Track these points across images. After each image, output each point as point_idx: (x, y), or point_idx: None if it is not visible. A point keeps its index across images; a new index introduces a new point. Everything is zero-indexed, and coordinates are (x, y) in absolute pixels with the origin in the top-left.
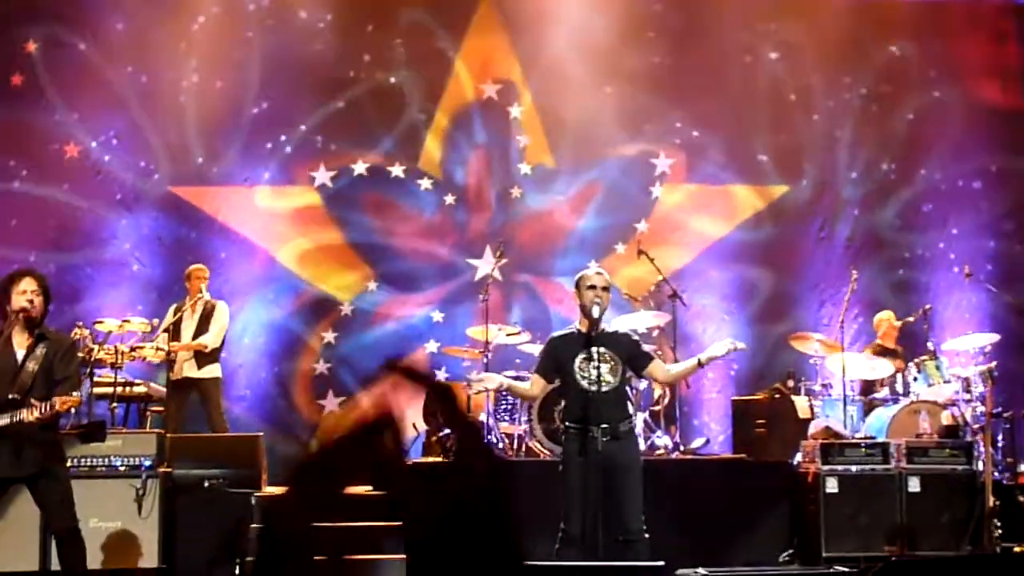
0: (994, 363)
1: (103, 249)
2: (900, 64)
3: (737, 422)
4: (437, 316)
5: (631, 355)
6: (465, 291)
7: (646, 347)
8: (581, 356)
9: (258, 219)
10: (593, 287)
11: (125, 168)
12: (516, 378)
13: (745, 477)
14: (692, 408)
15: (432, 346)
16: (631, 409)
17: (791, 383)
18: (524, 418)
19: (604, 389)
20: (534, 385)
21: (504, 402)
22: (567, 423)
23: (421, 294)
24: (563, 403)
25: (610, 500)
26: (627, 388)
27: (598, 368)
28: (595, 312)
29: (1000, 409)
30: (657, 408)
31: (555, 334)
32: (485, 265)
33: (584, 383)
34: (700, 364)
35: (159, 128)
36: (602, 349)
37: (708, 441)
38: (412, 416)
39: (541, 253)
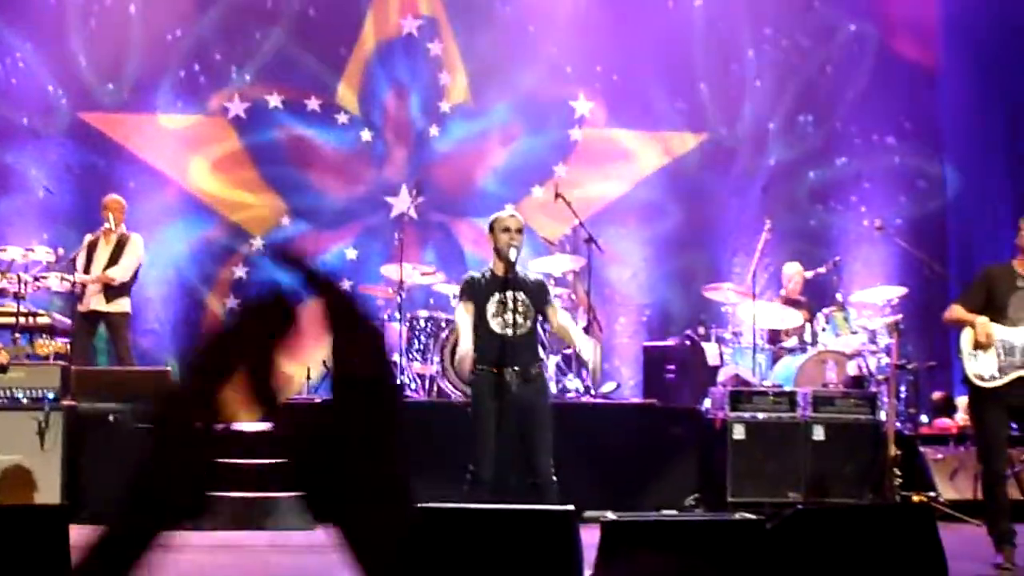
0: (900, 316)
1: (8, 176)
2: (820, 17)
3: (648, 368)
4: (351, 253)
5: (541, 298)
6: (380, 229)
7: (555, 292)
8: (495, 299)
9: (169, 149)
10: (507, 229)
11: (32, 93)
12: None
13: (655, 422)
14: (604, 353)
15: (346, 284)
16: (542, 353)
17: (702, 330)
18: (436, 358)
19: (518, 332)
20: (467, 317)
21: (416, 341)
22: (478, 365)
23: (335, 231)
24: (476, 344)
25: (520, 443)
26: (539, 331)
27: (512, 311)
28: (510, 255)
29: (904, 361)
30: (569, 351)
31: (470, 273)
32: (401, 203)
33: (497, 326)
34: (577, 353)
35: (68, 52)
36: (517, 293)
37: (619, 386)
38: (321, 353)
39: (457, 193)
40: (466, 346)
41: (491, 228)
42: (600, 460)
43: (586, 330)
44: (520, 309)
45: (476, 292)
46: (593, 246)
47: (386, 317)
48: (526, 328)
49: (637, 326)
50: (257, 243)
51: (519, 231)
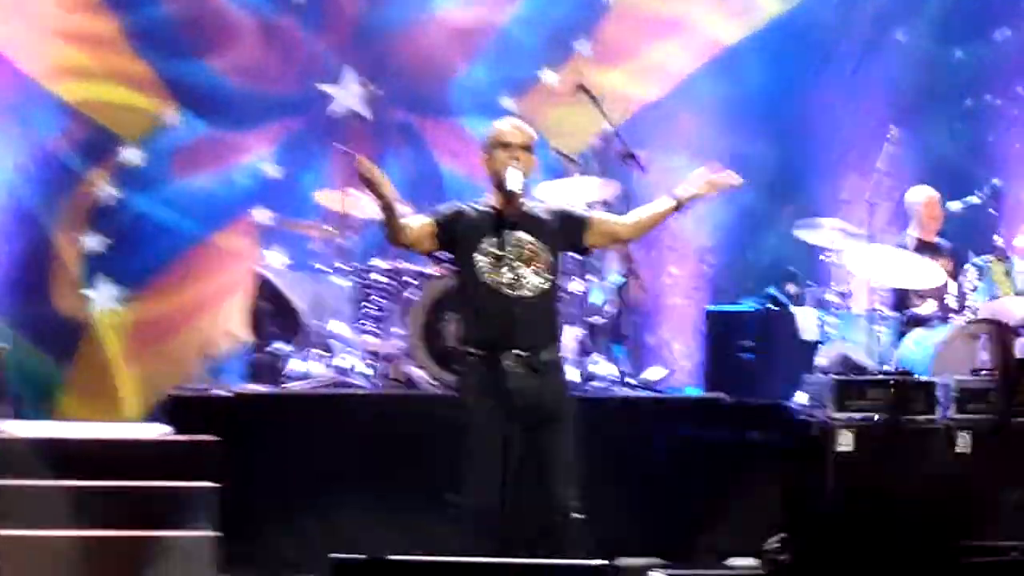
0: None
1: None
2: None
3: (713, 344)
4: (271, 170)
5: (565, 231)
6: (315, 134)
7: (580, 210)
8: (490, 244)
9: (8, 17)
10: (509, 145)
11: None
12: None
13: (722, 426)
14: (649, 320)
15: (263, 215)
16: (560, 328)
17: (793, 289)
18: (398, 329)
19: (524, 295)
20: (412, 224)
21: (368, 303)
22: (467, 346)
23: (247, 134)
24: (461, 313)
25: (527, 461)
26: (556, 297)
27: (514, 264)
28: (512, 183)
29: None
30: (598, 320)
31: (454, 203)
32: (345, 95)
33: (492, 283)
34: (678, 206)
35: None
36: (522, 235)
37: (670, 372)
38: (229, 320)
39: (431, 80)
40: (391, 199)
41: (486, 145)
42: (643, 484)
43: (622, 286)
44: (528, 258)
45: (460, 229)
46: (632, 163)
47: (322, 268)
48: (537, 288)
49: (697, 281)
50: (133, 153)
51: (526, 148)
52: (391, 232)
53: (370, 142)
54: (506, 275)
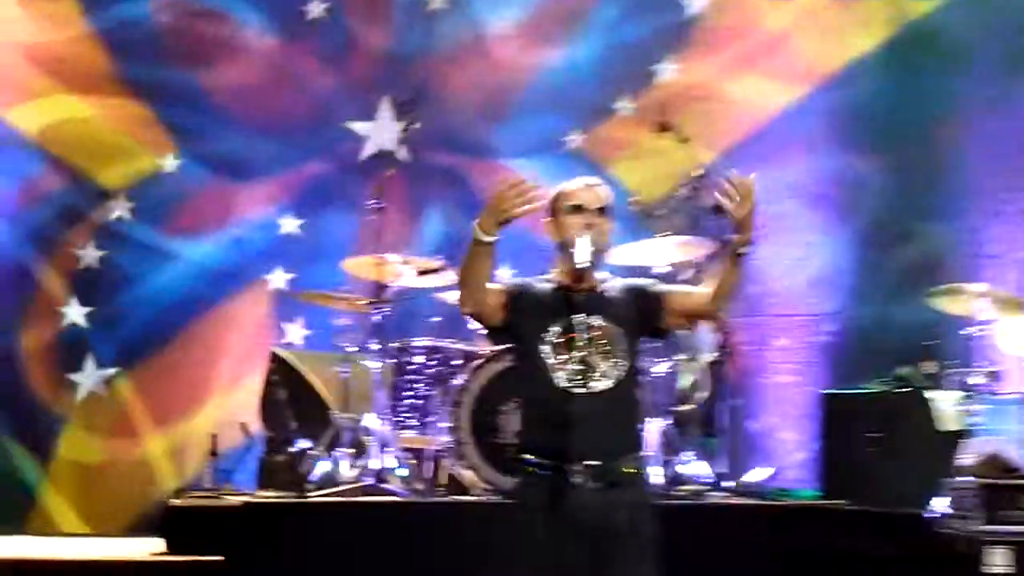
0: None
1: None
2: None
3: (830, 436)
4: (290, 226)
5: (642, 313)
6: (342, 183)
7: (654, 286)
8: (557, 329)
9: None
10: (581, 209)
11: None
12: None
13: (842, 538)
14: (750, 407)
15: (279, 280)
16: (643, 427)
17: (929, 367)
18: (445, 423)
19: (596, 390)
20: (492, 295)
21: (407, 391)
22: (526, 452)
23: (257, 184)
24: (521, 413)
25: None
26: (637, 390)
27: (586, 354)
28: (583, 255)
29: None
30: (687, 409)
31: (519, 280)
32: (379, 134)
33: (560, 378)
34: (736, 252)
35: None
36: (596, 321)
37: (777, 470)
38: (239, 409)
39: (481, 115)
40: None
41: (552, 208)
42: None
43: (717, 365)
44: (601, 346)
45: (526, 309)
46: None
47: (351, 348)
48: (613, 381)
49: (810, 357)
50: (122, 207)
51: (603, 211)
52: (475, 287)
53: (408, 191)
54: (575, 367)
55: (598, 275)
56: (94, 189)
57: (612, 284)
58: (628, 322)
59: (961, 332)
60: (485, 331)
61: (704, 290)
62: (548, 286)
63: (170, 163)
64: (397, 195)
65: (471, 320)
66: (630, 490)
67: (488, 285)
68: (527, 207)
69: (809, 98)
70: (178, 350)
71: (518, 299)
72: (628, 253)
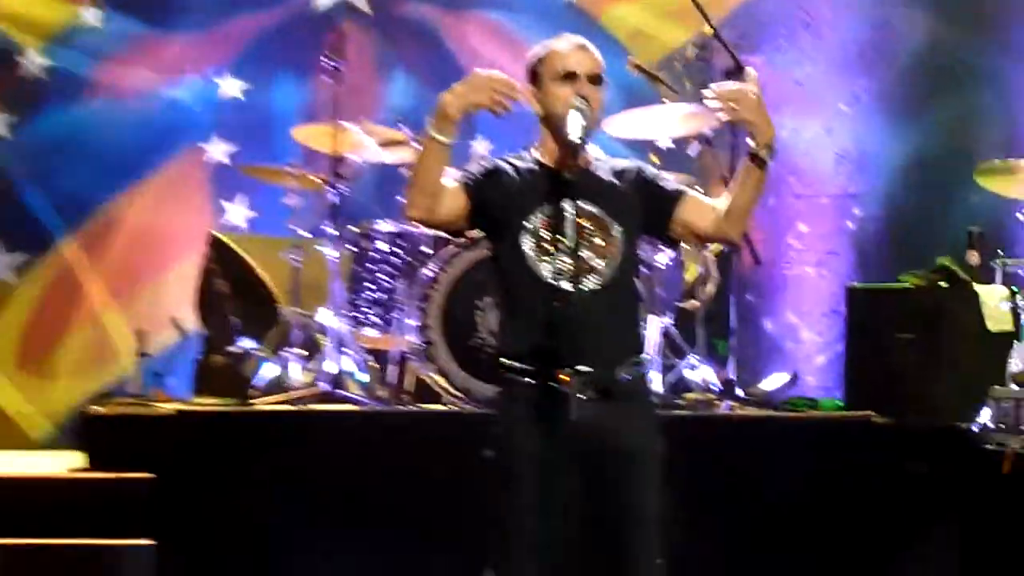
0: None
1: None
2: None
3: (858, 337)
4: (230, 89)
5: (646, 207)
6: (292, 37)
7: (670, 178)
8: (541, 217)
9: None
10: (571, 76)
11: None
12: None
13: (872, 457)
14: (765, 303)
15: (218, 151)
16: (643, 328)
17: (974, 257)
18: (413, 320)
19: (588, 287)
20: (448, 198)
21: (369, 283)
22: (508, 356)
23: (196, 37)
24: (500, 313)
25: (596, 523)
26: (635, 284)
27: (575, 245)
28: (574, 130)
29: None
30: (692, 305)
31: (492, 160)
32: None
33: (546, 273)
34: (757, 159)
35: None
36: (586, 205)
37: (797, 377)
38: (172, 302)
39: None
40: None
41: (534, 72)
42: (761, 538)
43: (726, 255)
44: (595, 237)
45: (498, 197)
46: (742, 79)
47: (302, 232)
48: (607, 278)
49: (835, 245)
50: (33, 63)
51: (595, 79)
52: (423, 189)
53: (370, 48)
54: (564, 262)
55: (591, 153)
56: (6, 44)
57: (605, 163)
58: (626, 212)
59: (1015, 216)
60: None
61: (718, 203)
62: (529, 165)
63: (90, 14)
64: (357, 53)
65: (420, 224)
66: (631, 401)
67: (444, 183)
68: (501, 108)
69: None
70: (95, 234)
71: (487, 187)
72: (624, 124)
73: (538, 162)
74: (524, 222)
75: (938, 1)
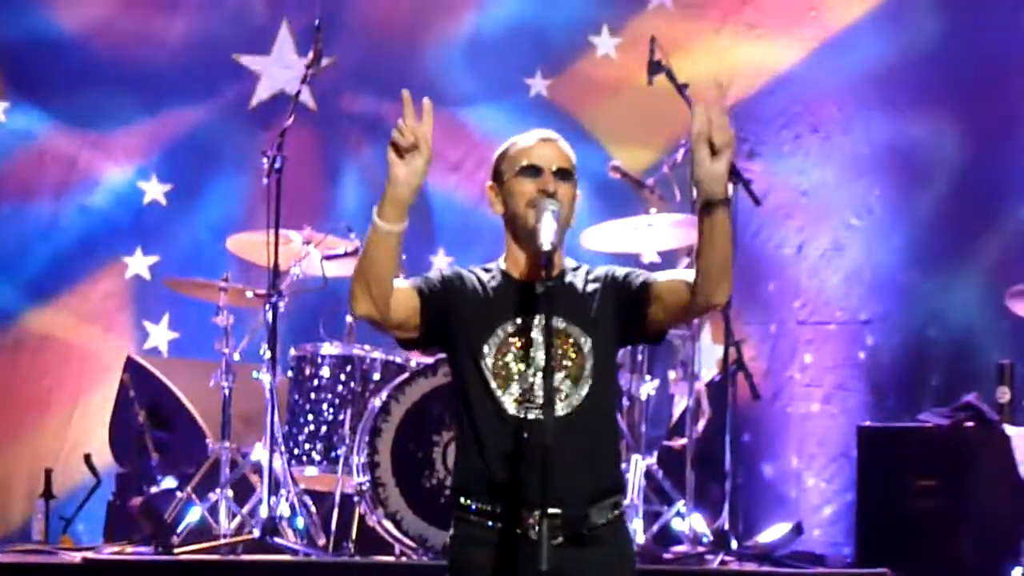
0: None
1: None
2: None
3: (870, 483)
4: (155, 192)
5: (622, 309)
6: (226, 135)
7: (637, 273)
8: (506, 338)
9: None
10: (534, 170)
11: None
12: None
13: None
14: (765, 439)
15: (139, 264)
16: (621, 462)
17: (1005, 394)
18: (362, 457)
19: (562, 412)
20: (400, 296)
21: (309, 412)
22: (465, 497)
23: (115, 135)
24: (457, 437)
25: None
26: (612, 410)
27: (544, 368)
28: (546, 235)
29: None
30: (679, 445)
31: (454, 269)
32: (276, 72)
33: (508, 399)
34: (709, 201)
35: None
36: (557, 322)
37: (800, 529)
38: (83, 437)
39: (411, 47)
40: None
41: (496, 168)
42: None
43: (720, 387)
44: (565, 358)
45: (459, 308)
46: (739, 187)
47: (235, 356)
48: (581, 402)
49: (845, 375)
50: None
51: (564, 175)
52: (371, 282)
53: (315, 144)
54: (532, 386)
55: (563, 262)
56: None
57: (578, 273)
58: (601, 325)
59: None
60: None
61: (688, 272)
62: (494, 276)
63: None
64: (300, 152)
65: (369, 325)
66: (606, 547)
67: (396, 283)
68: (413, 147)
69: (849, 32)
70: (2, 358)
71: (445, 295)
72: (605, 235)
73: (504, 273)
74: (486, 340)
75: (962, 104)
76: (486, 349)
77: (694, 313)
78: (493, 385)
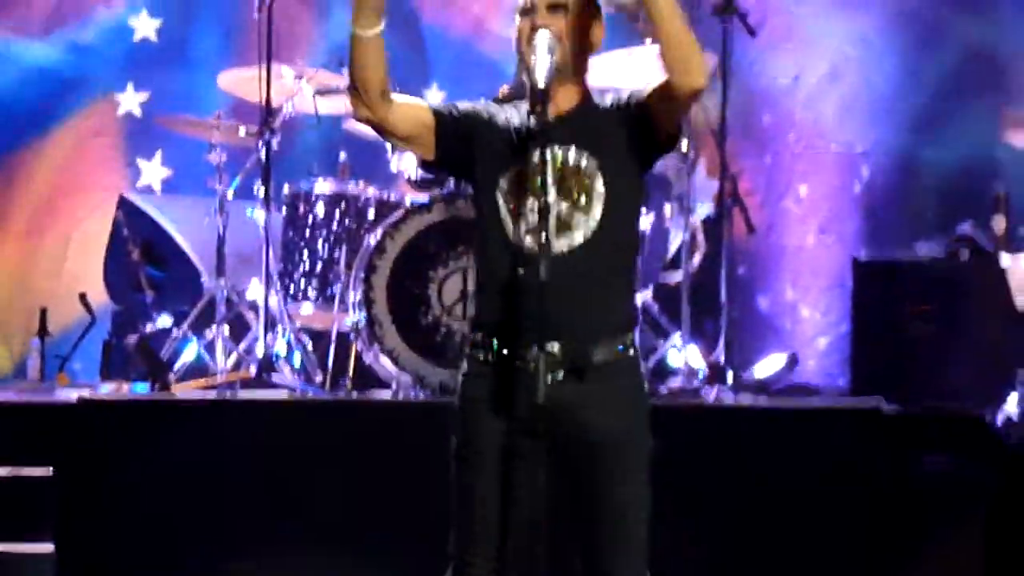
0: None
1: None
2: None
3: (865, 314)
4: (144, 27)
5: (631, 129)
6: None
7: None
8: (519, 165)
9: None
10: (529, 8)
11: None
12: None
13: (880, 449)
14: (760, 275)
15: (130, 101)
16: (633, 297)
17: (1000, 223)
18: (357, 294)
19: (565, 248)
20: (404, 100)
21: (304, 249)
22: (474, 330)
23: None
24: (476, 277)
25: (573, 521)
26: (625, 244)
27: (555, 196)
28: (541, 69)
29: None
30: (676, 278)
31: (470, 103)
32: None
33: (516, 232)
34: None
35: None
36: (566, 153)
37: (796, 360)
38: (77, 275)
39: None
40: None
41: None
42: (758, 543)
43: (715, 220)
44: (574, 190)
45: (475, 140)
46: (734, 20)
47: (228, 193)
48: (588, 236)
49: (841, 209)
50: None
51: (553, 6)
52: (366, 82)
53: None
54: (538, 218)
55: (570, 92)
56: None
57: (600, 103)
58: (613, 155)
59: None
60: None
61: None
62: (503, 110)
63: None
64: None
65: (376, 132)
66: (609, 383)
67: (412, 100)
68: None
69: None
70: None
71: (462, 126)
72: (599, 68)
73: (514, 105)
74: (502, 173)
75: None
76: (501, 182)
77: (681, 101)
78: (502, 216)
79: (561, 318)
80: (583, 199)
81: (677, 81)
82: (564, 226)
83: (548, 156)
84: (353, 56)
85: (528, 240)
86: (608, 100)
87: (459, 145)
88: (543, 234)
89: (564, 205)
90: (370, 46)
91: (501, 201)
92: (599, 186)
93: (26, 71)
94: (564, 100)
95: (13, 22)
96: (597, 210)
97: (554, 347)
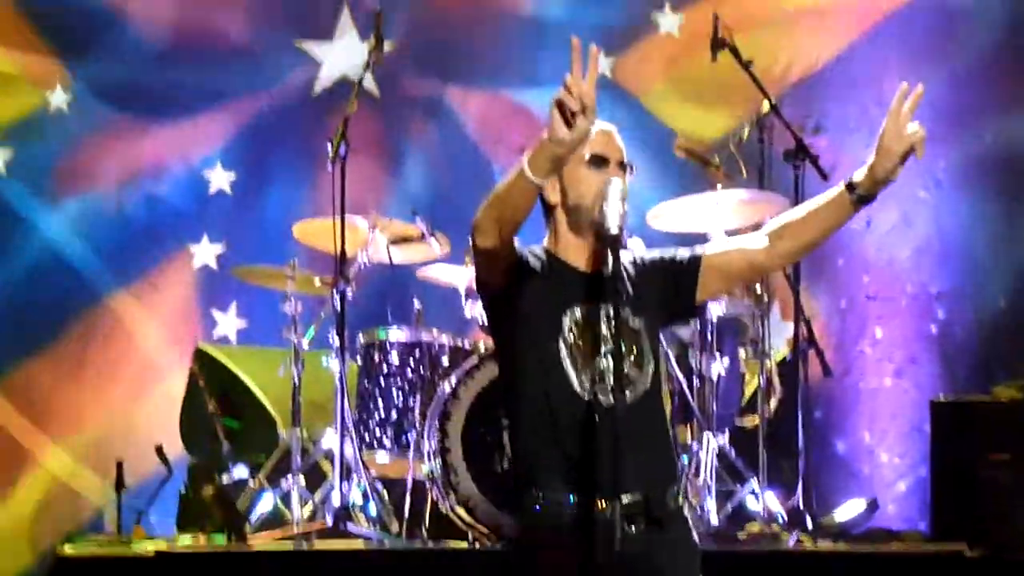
0: None
1: None
2: None
3: (944, 458)
4: (219, 181)
5: (669, 291)
6: (289, 122)
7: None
8: (574, 321)
9: None
10: (601, 161)
11: None
12: None
13: None
14: (837, 416)
15: (206, 253)
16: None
17: None
18: (432, 443)
19: (628, 400)
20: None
21: (380, 397)
22: (537, 483)
23: (180, 124)
24: (517, 425)
25: None
26: (664, 399)
27: (617, 351)
28: (612, 218)
29: None
30: (751, 423)
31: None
32: (339, 58)
33: (581, 385)
34: (854, 192)
35: None
36: (622, 307)
37: (875, 505)
38: (153, 427)
39: (472, 31)
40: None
41: None
42: None
43: (791, 364)
44: (630, 343)
45: (534, 285)
46: (805, 162)
47: (304, 344)
48: (645, 387)
49: (916, 349)
50: None
51: (623, 165)
52: (506, 217)
53: (378, 129)
54: (604, 370)
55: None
56: None
57: (630, 259)
58: (652, 311)
59: None
60: (479, 292)
61: (768, 231)
62: (548, 260)
63: (58, 97)
64: (364, 137)
65: (478, 258)
66: (680, 530)
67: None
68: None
69: (911, 4)
70: (66, 349)
71: (525, 269)
72: (672, 215)
73: (555, 258)
74: (558, 324)
75: None
76: (560, 331)
77: (753, 276)
78: (566, 368)
79: (635, 469)
80: (635, 353)
81: (782, 256)
82: (630, 379)
83: (611, 312)
84: (510, 193)
85: (589, 394)
86: (644, 259)
87: (523, 289)
88: (613, 385)
89: (626, 358)
90: (532, 191)
91: (564, 352)
92: (644, 339)
93: (99, 225)
94: (618, 257)
95: (91, 175)
96: (650, 365)
97: (632, 497)
